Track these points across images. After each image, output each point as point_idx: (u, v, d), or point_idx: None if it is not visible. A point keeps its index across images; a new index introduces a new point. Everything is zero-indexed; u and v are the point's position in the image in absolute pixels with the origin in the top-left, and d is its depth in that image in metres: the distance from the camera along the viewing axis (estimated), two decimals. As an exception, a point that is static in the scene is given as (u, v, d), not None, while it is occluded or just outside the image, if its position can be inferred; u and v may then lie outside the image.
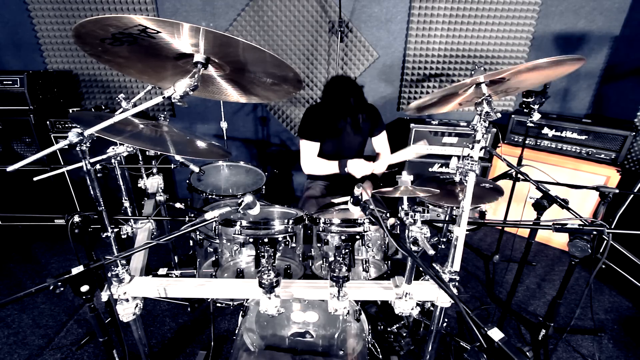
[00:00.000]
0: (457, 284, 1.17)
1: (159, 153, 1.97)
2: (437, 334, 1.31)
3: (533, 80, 1.30)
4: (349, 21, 2.88)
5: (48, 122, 2.72)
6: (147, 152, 1.97)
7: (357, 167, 2.05)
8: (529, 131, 2.46)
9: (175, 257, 2.32)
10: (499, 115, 1.07)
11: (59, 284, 0.95)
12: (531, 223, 1.67)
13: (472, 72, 1.11)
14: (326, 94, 2.37)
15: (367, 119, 2.24)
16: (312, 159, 2.21)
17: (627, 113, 2.77)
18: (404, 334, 1.80)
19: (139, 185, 2.00)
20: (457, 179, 1.11)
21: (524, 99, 2.16)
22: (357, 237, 1.53)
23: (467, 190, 1.08)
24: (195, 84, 0.99)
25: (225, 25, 2.93)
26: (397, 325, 1.83)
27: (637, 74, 2.72)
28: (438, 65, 3.02)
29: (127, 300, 1.21)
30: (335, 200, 1.73)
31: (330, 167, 2.15)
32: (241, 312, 1.59)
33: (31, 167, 1.21)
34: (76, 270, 0.99)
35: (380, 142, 2.34)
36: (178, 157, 1.83)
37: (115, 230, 1.19)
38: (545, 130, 2.83)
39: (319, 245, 1.62)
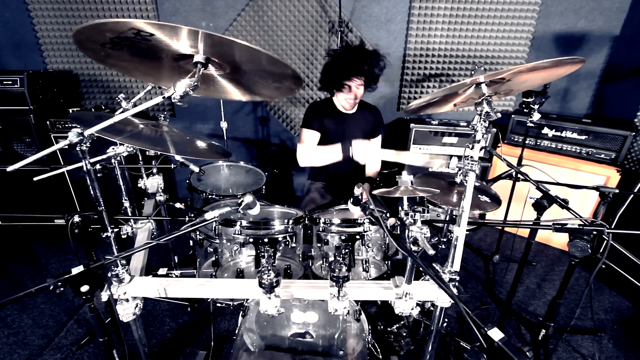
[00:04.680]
0: (457, 284, 1.17)
1: (159, 153, 1.97)
2: (437, 334, 1.31)
3: (533, 80, 1.30)
4: (349, 21, 2.88)
5: (48, 122, 2.72)
6: (147, 152, 1.97)
7: (363, 150, 1.86)
8: (529, 131, 2.46)
9: (175, 257, 2.32)
10: (499, 115, 1.07)
11: (59, 284, 0.95)
12: (531, 223, 1.67)
13: (472, 72, 1.11)
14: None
15: (371, 119, 2.23)
16: (309, 148, 2.10)
17: (627, 113, 2.77)
18: (404, 334, 1.80)
19: (139, 185, 2.00)
20: (457, 179, 1.11)
21: (524, 99, 2.16)
22: (357, 237, 1.53)
23: (467, 190, 1.08)
24: (195, 84, 0.99)
25: (225, 25, 2.93)
26: (397, 325, 1.83)
27: (637, 74, 2.72)
28: (438, 65, 3.02)
29: (127, 300, 1.21)
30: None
31: (329, 152, 1.95)
32: (241, 312, 1.59)
33: (31, 167, 1.21)
34: (76, 270, 0.99)
35: (375, 144, 2.33)
36: (178, 157, 1.83)
37: (115, 230, 1.19)
38: (545, 130, 2.83)
39: (319, 245, 1.62)
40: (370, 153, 1.91)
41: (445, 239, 1.78)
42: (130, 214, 1.84)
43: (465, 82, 1.10)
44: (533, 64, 1.01)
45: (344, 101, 2.09)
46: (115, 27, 0.87)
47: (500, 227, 2.96)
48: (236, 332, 1.51)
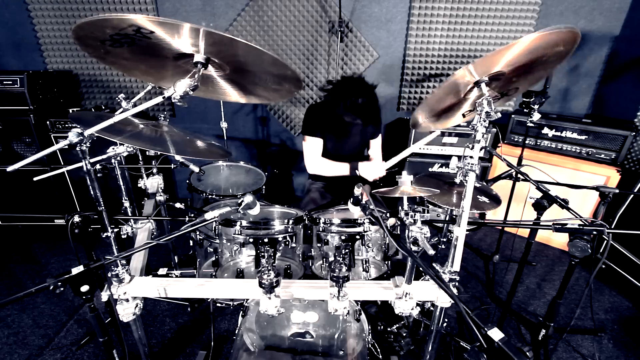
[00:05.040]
0: (457, 284, 1.17)
1: (159, 153, 1.96)
2: (437, 334, 1.31)
3: (532, 75, 1.27)
4: (349, 21, 2.88)
5: (48, 122, 2.72)
6: (147, 152, 1.97)
7: (370, 171, 2.06)
8: (529, 131, 2.46)
9: (175, 257, 2.31)
10: (499, 115, 1.07)
11: (59, 284, 0.95)
12: (531, 223, 1.67)
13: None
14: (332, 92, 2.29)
15: (370, 121, 2.23)
16: (316, 157, 2.19)
17: (627, 113, 2.76)
18: (404, 334, 1.80)
19: (139, 185, 2.00)
20: (457, 180, 1.11)
21: (524, 99, 2.16)
22: (357, 237, 1.53)
23: (467, 191, 1.08)
24: (195, 84, 0.99)
25: (225, 25, 2.93)
26: (397, 325, 1.83)
27: (637, 74, 2.72)
28: (438, 65, 3.02)
29: (127, 300, 1.21)
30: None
31: (338, 168, 2.14)
32: (241, 312, 1.59)
33: (31, 167, 1.21)
34: (76, 270, 0.99)
35: (375, 145, 2.34)
36: (178, 157, 1.83)
37: (115, 230, 1.19)
38: (545, 130, 2.83)
39: (319, 245, 1.62)
40: (378, 173, 2.06)
41: (445, 239, 1.78)
42: (130, 214, 1.84)
43: (456, 74, 1.06)
44: (520, 40, 0.95)
45: None
46: (115, 23, 0.86)
47: (500, 227, 2.96)
48: (236, 332, 1.51)
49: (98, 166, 1.43)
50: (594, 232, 1.31)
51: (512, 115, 2.92)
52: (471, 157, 1.07)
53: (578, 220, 1.36)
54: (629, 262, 2.37)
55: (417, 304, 1.24)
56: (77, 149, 0.98)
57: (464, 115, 1.37)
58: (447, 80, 1.11)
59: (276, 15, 2.88)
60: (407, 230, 1.11)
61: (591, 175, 2.68)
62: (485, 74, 1.10)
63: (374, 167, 2.06)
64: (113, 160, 1.56)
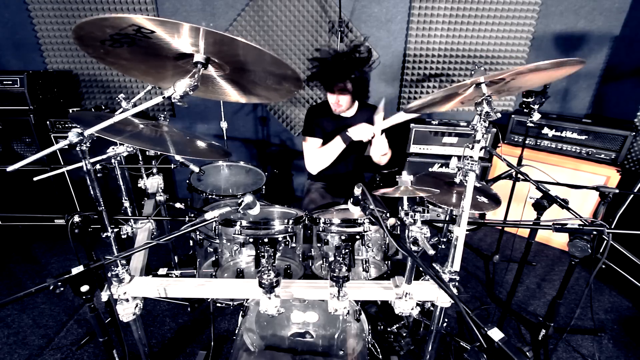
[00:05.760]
0: (457, 284, 1.17)
1: (159, 153, 1.97)
2: (437, 334, 1.31)
3: (533, 81, 1.30)
4: (349, 21, 2.88)
5: (48, 122, 2.72)
6: (147, 152, 1.97)
7: (361, 132, 2.00)
8: (529, 131, 2.46)
9: (175, 257, 2.31)
10: (499, 115, 1.07)
11: (59, 284, 0.95)
12: (531, 223, 1.67)
13: (472, 72, 1.11)
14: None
15: (369, 119, 2.23)
16: (313, 154, 2.19)
17: (627, 113, 2.76)
18: (404, 334, 1.80)
19: (139, 185, 2.00)
20: (457, 179, 1.11)
21: (524, 99, 2.16)
22: (357, 237, 1.53)
23: (467, 190, 1.08)
24: (195, 84, 0.99)
25: (225, 25, 2.93)
26: (397, 325, 1.83)
27: (637, 74, 2.72)
28: (438, 65, 3.02)
29: (127, 300, 1.21)
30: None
31: (333, 147, 2.08)
32: (241, 312, 1.59)
33: (31, 167, 1.21)
34: (76, 270, 0.99)
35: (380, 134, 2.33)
36: (178, 157, 1.83)
37: (115, 230, 1.19)
38: (545, 130, 2.83)
39: (319, 245, 1.62)
40: (368, 132, 1.99)
41: (445, 239, 1.78)
42: (130, 214, 1.84)
43: (466, 82, 1.09)
44: (533, 65, 1.00)
45: (331, 105, 2.10)
46: (115, 23, 0.86)
47: (500, 227, 2.96)
48: (236, 332, 1.51)
49: (98, 166, 1.44)
50: (594, 232, 1.31)
51: (512, 115, 2.92)
52: (471, 157, 1.07)
53: (578, 220, 1.36)
54: (629, 262, 2.37)
55: (417, 304, 1.24)
56: (77, 149, 0.98)
57: (462, 103, 1.36)
58: (451, 86, 1.11)
59: (276, 15, 2.88)
60: (407, 230, 1.11)
61: (591, 175, 2.68)
62: (489, 79, 1.10)
63: (363, 127, 2.00)
64: (113, 160, 1.56)
